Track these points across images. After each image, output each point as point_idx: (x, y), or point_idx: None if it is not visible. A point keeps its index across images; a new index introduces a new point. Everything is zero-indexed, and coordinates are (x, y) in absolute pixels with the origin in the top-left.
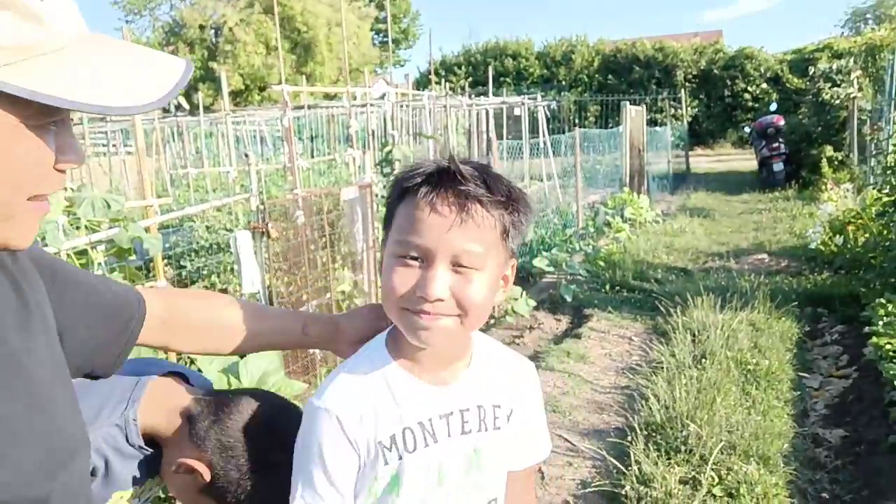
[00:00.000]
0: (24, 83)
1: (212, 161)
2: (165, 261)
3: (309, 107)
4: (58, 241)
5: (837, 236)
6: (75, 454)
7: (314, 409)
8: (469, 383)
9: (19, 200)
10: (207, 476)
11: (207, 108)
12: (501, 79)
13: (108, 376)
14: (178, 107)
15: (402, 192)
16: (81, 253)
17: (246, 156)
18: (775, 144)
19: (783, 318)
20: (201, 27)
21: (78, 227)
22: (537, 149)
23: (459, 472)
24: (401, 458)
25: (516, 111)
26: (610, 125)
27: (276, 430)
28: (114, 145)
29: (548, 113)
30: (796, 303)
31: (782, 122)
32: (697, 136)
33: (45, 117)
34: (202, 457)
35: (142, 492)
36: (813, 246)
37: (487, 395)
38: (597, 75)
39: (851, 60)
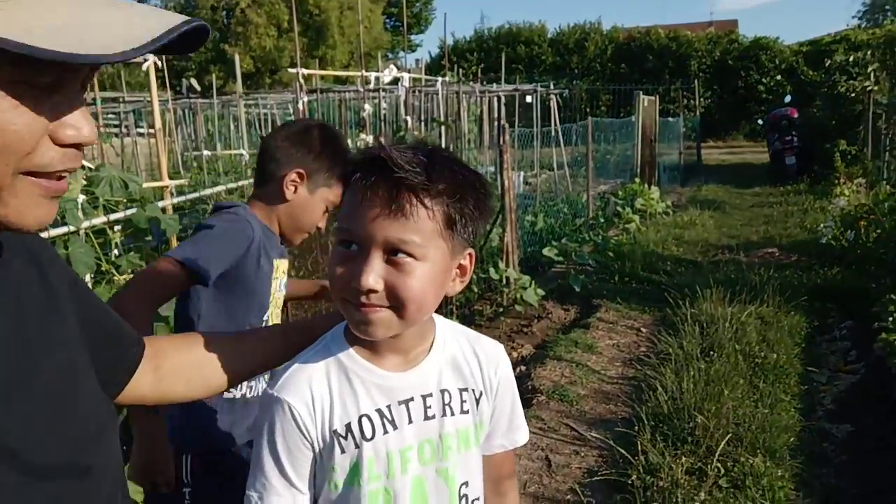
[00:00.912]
0: None
1: (224, 144)
2: (178, 242)
3: (321, 91)
4: (76, 219)
5: (849, 231)
6: (103, 432)
7: (268, 398)
8: (431, 368)
9: (2, 171)
10: (303, 172)
11: (219, 91)
12: (514, 66)
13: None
14: (190, 88)
15: (346, 176)
16: (99, 232)
17: (261, 138)
18: (788, 137)
19: (792, 313)
20: (213, 8)
21: (96, 207)
22: (548, 137)
23: (424, 459)
24: (357, 446)
25: (528, 99)
26: (622, 115)
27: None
28: (126, 126)
29: (560, 101)
30: (806, 297)
31: (796, 115)
32: (710, 127)
33: (21, 74)
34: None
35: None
36: (824, 241)
37: (452, 379)
38: (610, 64)
39: (869, 53)
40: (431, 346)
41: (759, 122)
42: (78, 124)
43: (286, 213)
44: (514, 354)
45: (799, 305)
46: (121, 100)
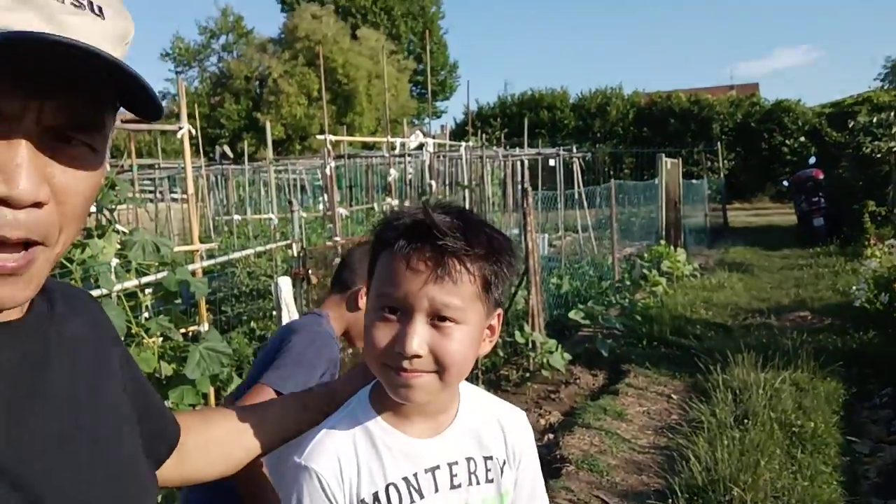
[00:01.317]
0: None
1: (254, 208)
2: (207, 305)
3: (349, 156)
4: (109, 282)
5: (883, 294)
6: (143, 499)
7: (295, 466)
8: (457, 435)
9: None
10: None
11: (251, 157)
12: (536, 130)
13: None
14: (223, 155)
15: (382, 243)
16: (131, 295)
17: (290, 203)
18: (815, 199)
19: (828, 379)
20: (247, 78)
21: (128, 270)
22: (572, 200)
23: None
24: None
25: (551, 162)
26: (645, 177)
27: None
28: (160, 192)
29: (583, 164)
30: (841, 363)
31: (822, 176)
32: (735, 189)
33: None
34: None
35: None
36: (857, 304)
37: (477, 447)
38: (632, 127)
39: (892, 114)
40: (457, 412)
41: (785, 183)
42: (10, 177)
43: (355, 320)
44: (542, 422)
45: (835, 371)
46: (156, 166)
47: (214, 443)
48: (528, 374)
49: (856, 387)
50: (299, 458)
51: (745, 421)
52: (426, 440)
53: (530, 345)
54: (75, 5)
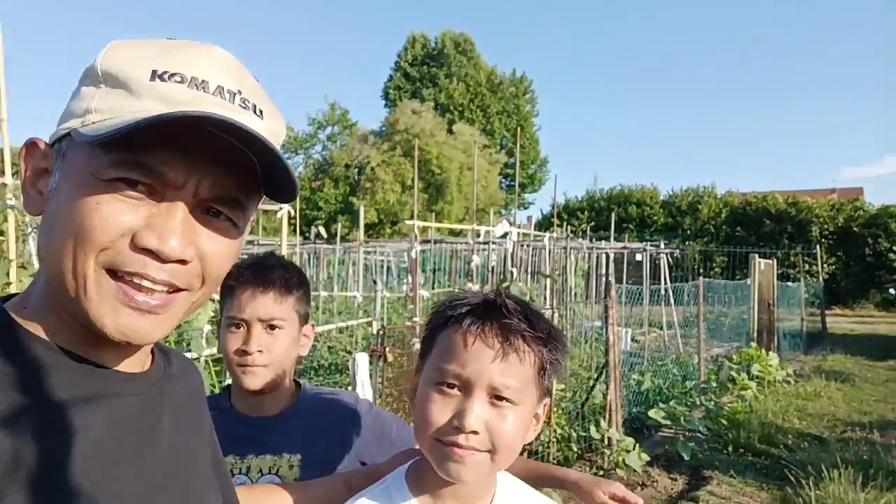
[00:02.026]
0: (83, 130)
1: (341, 286)
2: None
3: (435, 241)
4: (199, 347)
5: None
6: None
7: None
8: None
9: (83, 258)
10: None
11: (343, 238)
12: (624, 225)
13: None
14: (318, 235)
15: (446, 320)
16: (218, 360)
17: (374, 282)
18: None
19: None
20: (347, 166)
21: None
22: (658, 296)
23: None
24: None
25: (638, 257)
26: (737, 277)
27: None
28: None
29: (670, 261)
30: None
31: None
32: (835, 294)
33: (116, 171)
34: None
35: None
36: None
37: None
38: (724, 226)
39: None
40: (492, 501)
41: (892, 291)
42: (163, 235)
43: None
44: None
45: None
46: (255, 243)
47: None
48: (601, 473)
49: None
50: None
51: None
52: None
53: (606, 441)
54: (241, 106)
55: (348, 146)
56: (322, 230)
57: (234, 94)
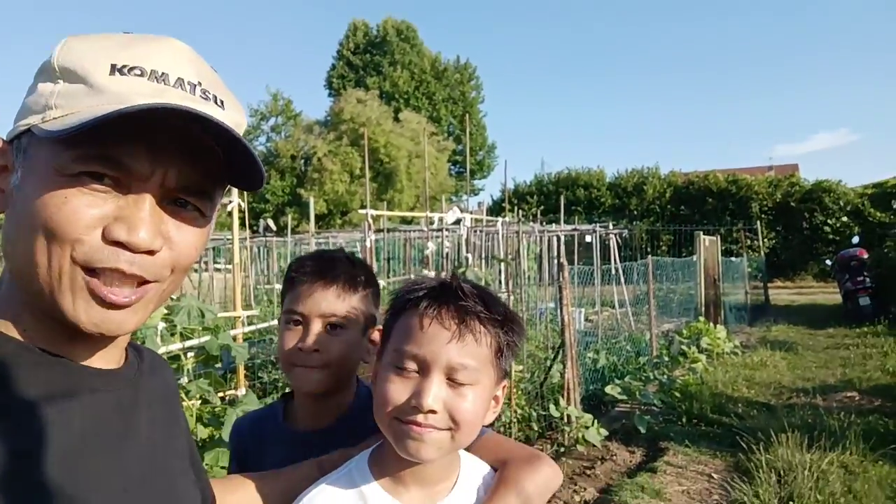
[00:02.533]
0: (45, 126)
1: None
2: (245, 371)
3: (388, 230)
4: (154, 345)
5: None
6: None
7: None
8: None
9: (58, 255)
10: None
11: (293, 230)
12: (573, 207)
13: None
14: (267, 228)
15: (404, 304)
16: (173, 358)
17: None
18: (860, 278)
19: (881, 463)
20: (293, 157)
21: (174, 334)
22: (609, 275)
23: None
24: None
25: (587, 238)
26: (683, 255)
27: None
28: (204, 262)
29: (619, 241)
30: (894, 446)
31: (866, 255)
32: (776, 267)
33: (79, 165)
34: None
35: None
36: None
37: None
38: (669, 206)
39: None
40: (455, 482)
41: (828, 262)
42: (132, 227)
43: None
44: (577, 498)
45: (887, 455)
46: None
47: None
48: (562, 449)
49: None
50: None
51: (790, 503)
52: None
53: (565, 419)
54: (202, 97)
55: (293, 137)
56: (271, 223)
57: (195, 85)
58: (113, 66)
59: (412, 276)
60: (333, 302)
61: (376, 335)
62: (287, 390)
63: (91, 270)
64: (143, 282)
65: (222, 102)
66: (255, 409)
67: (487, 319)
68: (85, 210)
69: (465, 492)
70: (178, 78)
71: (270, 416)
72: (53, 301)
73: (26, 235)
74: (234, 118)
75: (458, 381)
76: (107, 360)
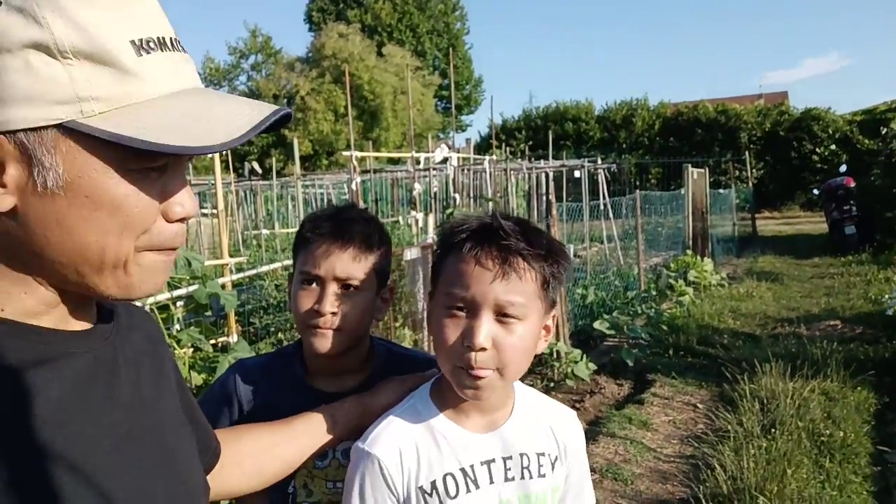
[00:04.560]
0: (108, 128)
1: (282, 222)
2: (236, 318)
3: (374, 171)
4: None
5: None
6: (198, 498)
7: (358, 451)
8: (512, 431)
9: (127, 246)
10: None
11: (279, 173)
12: (561, 142)
13: None
14: (252, 171)
15: (449, 246)
16: (163, 308)
17: None
18: (846, 207)
19: (859, 388)
20: (275, 96)
21: None
22: (597, 210)
23: None
24: (441, 503)
25: (576, 174)
26: (672, 187)
27: None
28: None
29: (608, 175)
30: (873, 372)
31: (853, 184)
32: (764, 198)
33: (139, 162)
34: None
35: None
36: (890, 312)
37: (531, 444)
38: (658, 138)
39: None
40: (512, 409)
41: (815, 192)
42: (183, 202)
43: None
44: None
45: (866, 380)
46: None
47: (248, 457)
48: (552, 384)
49: (889, 396)
50: (362, 444)
51: (773, 430)
52: (483, 434)
53: (555, 355)
54: (184, 52)
55: (274, 75)
56: (256, 166)
57: (177, 41)
58: (133, 44)
59: (400, 219)
60: (350, 264)
61: (388, 292)
62: (292, 336)
63: (155, 250)
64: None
65: (182, 46)
66: (245, 355)
67: (530, 255)
68: (152, 204)
69: (524, 414)
70: (170, 38)
71: (286, 368)
72: (84, 281)
73: (85, 231)
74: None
75: (508, 317)
76: (79, 321)
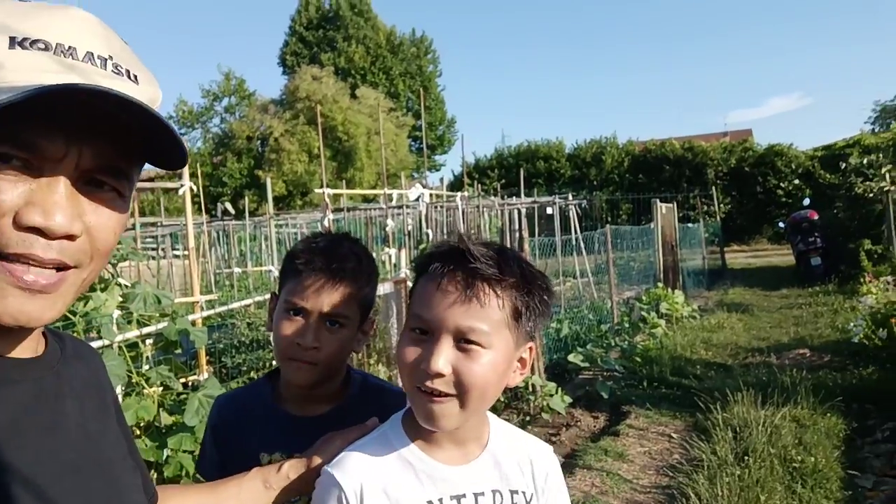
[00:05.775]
0: None
1: (254, 261)
2: (207, 356)
3: (348, 209)
4: (111, 333)
5: (880, 329)
6: None
7: (325, 474)
8: (485, 466)
9: None
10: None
11: (252, 213)
12: (533, 180)
13: None
14: (225, 211)
15: (422, 269)
16: (132, 346)
17: None
18: (811, 239)
19: (829, 415)
20: (249, 138)
21: (130, 322)
22: (570, 245)
23: None
24: None
25: (548, 210)
26: (642, 222)
27: None
28: (163, 249)
29: (579, 211)
30: (841, 398)
31: (817, 217)
32: (732, 232)
33: None
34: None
35: None
36: (856, 340)
37: (505, 480)
38: (627, 175)
39: (881, 155)
40: (486, 443)
41: (781, 225)
42: (48, 211)
43: None
44: None
45: (835, 407)
46: (158, 224)
47: None
48: (528, 418)
49: (856, 422)
50: (329, 468)
51: (746, 458)
52: (454, 467)
53: (530, 388)
54: (115, 72)
55: (248, 117)
56: (229, 206)
57: (106, 59)
58: (12, 39)
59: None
60: (338, 301)
61: (368, 325)
62: (265, 372)
63: (3, 257)
64: (62, 267)
65: (136, 77)
66: (218, 392)
67: (498, 283)
68: (3, 197)
69: (498, 449)
70: (88, 52)
71: (256, 395)
72: None
73: None
74: (149, 93)
75: (469, 344)
76: (24, 349)
